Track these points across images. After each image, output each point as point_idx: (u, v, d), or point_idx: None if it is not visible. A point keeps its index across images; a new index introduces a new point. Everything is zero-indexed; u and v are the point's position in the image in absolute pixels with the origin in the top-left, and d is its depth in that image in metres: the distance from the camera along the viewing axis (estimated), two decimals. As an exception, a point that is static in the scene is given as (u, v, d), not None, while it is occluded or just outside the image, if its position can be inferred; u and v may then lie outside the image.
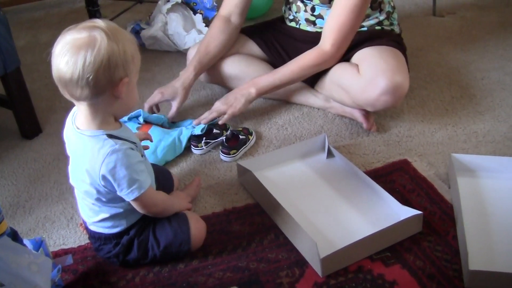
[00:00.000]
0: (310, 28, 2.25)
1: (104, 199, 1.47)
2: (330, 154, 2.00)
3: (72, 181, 1.52)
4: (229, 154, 2.02)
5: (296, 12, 2.26)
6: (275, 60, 2.30)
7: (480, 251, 1.58)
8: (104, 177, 1.39)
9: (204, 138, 2.06)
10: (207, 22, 2.83)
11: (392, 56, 2.07)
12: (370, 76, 2.01)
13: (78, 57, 1.28)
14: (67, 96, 1.37)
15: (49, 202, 1.88)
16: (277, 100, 2.36)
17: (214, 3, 2.87)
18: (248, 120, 2.26)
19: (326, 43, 2.06)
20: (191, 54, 2.33)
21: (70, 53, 1.29)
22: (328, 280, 1.54)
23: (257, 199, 1.83)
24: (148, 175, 1.48)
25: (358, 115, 2.16)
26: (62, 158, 2.07)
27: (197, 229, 1.61)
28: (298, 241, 1.64)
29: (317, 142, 2.03)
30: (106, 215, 1.50)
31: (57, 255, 1.64)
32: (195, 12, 2.87)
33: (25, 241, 1.46)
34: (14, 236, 1.37)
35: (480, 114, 2.26)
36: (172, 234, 1.57)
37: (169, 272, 1.59)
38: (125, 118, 2.05)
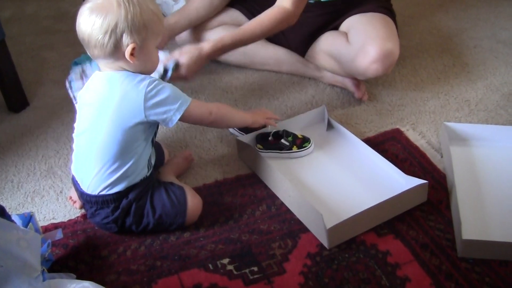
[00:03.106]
0: None
1: (126, 139, 1.48)
2: (330, 126, 1.97)
3: (83, 130, 1.54)
4: (256, 147, 1.86)
5: None
6: None
7: (473, 220, 1.58)
8: (150, 106, 1.46)
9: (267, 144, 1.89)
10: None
11: (381, 23, 2.05)
12: (359, 45, 1.99)
13: (89, 20, 1.40)
14: (89, 54, 1.50)
15: (38, 176, 1.86)
16: (267, 71, 2.34)
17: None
18: (239, 91, 2.23)
19: (286, 2, 1.98)
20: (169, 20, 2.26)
21: (85, 15, 1.42)
22: (321, 250, 1.54)
23: (258, 174, 1.81)
24: None
25: (349, 84, 2.15)
26: (50, 132, 2.05)
27: (193, 203, 1.61)
28: (302, 213, 1.63)
29: (317, 114, 2.00)
30: (113, 167, 1.50)
31: (47, 229, 1.62)
32: (183, -19, 2.82)
33: (14, 217, 1.44)
34: (2, 212, 1.35)
35: (472, 82, 2.24)
36: (169, 204, 1.57)
37: (161, 245, 1.58)
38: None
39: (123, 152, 1.50)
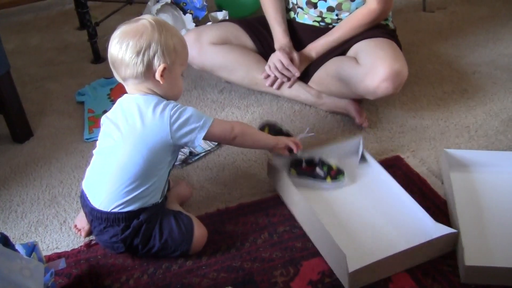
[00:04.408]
0: (307, 17, 2.25)
1: (152, 159, 1.53)
2: (363, 159, 1.94)
3: (106, 148, 1.58)
4: (289, 171, 1.85)
5: None
6: (267, 54, 2.29)
7: (475, 246, 1.58)
8: (175, 128, 1.52)
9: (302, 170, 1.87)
10: (197, 22, 2.83)
11: (389, 46, 2.10)
12: (369, 64, 2.02)
13: (123, 41, 1.50)
14: (117, 78, 1.58)
15: (42, 206, 1.87)
16: (269, 94, 2.36)
17: (204, 3, 2.87)
18: (240, 120, 2.25)
19: (372, 1, 2.12)
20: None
21: (118, 38, 1.51)
22: (323, 278, 1.54)
23: (285, 200, 1.80)
24: None
25: (351, 109, 2.17)
26: (53, 162, 2.07)
27: (199, 233, 1.62)
28: (325, 250, 1.60)
29: (352, 146, 1.97)
30: (132, 186, 1.52)
31: (50, 259, 1.64)
32: (185, 12, 2.86)
33: (18, 246, 1.45)
34: (5, 241, 1.36)
35: (472, 108, 2.26)
36: (177, 230, 1.59)
37: (163, 274, 1.58)
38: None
39: (146, 172, 1.53)
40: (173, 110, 1.52)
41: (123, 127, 1.54)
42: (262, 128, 1.88)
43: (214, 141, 1.87)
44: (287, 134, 1.88)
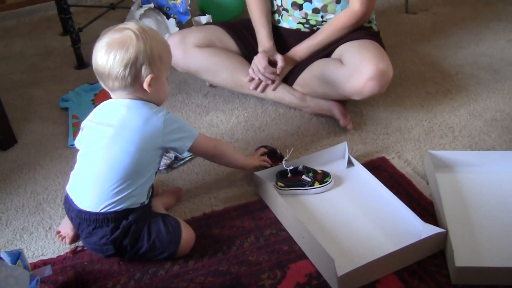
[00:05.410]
0: (292, 19, 2.26)
1: (143, 159, 1.56)
2: (349, 164, 1.95)
3: (95, 149, 1.57)
4: (277, 185, 1.86)
5: None
6: (251, 57, 2.29)
7: (464, 246, 1.59)
8: (168, 132, 1.57)
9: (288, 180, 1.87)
10: (181, 26, 2.83)
11: (374, 47, 2.12)
12: (355, 64, 2.04)
13: (110, 54, 1.50)
14: (104, 87, 1.59)
15: (26, 213, 1.86)
16: (253, 97, 2.37)
17: (187, 7, 2.86)
18: (225, 124, 2.25)
19: (355, 4, 2.14)
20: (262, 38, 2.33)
21: (104, 50, 1.51)
22: (310, 280, 1.54)
23: (273, 211, 1.79)
24: None
25: (336, 111, 2.17)
26: (38, 168, 2.06)
27: (187, 235, 1.63)
28: (314, 256, 1.59)
29: (336, 151, 1.98)
30: (123, 185, 1.53)
31: (36, 266, 1.62)
32: (168, 17, 2.86)
33: (3, 254, 1.44)
34: (-10, 249, 1.35)
35: (455, 109, 2.28)
36: (164, 231, 1.59)
37: (150, 279, 1.58)
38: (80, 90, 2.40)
39: (136, 172, 1.55)
40: (167, 116, 1.57)
41: (117, 129, 1.55)
42: (258, 149, 1.99)
43: (194, 153, 1.83)
44: (281, 156, 1.97)
